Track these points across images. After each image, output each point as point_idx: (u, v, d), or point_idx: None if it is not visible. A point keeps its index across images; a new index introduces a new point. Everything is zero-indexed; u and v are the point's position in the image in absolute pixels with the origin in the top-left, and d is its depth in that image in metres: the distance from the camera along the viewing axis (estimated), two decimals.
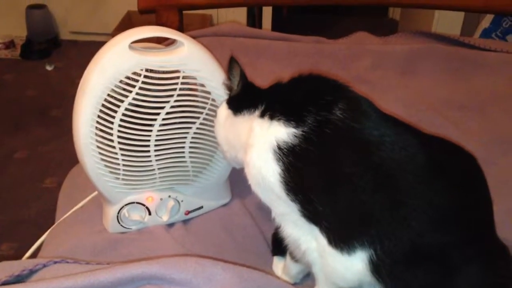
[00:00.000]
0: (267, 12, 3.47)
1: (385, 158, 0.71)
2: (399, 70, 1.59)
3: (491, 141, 1.27)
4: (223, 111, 0.88)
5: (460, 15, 2.61)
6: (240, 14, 3.27)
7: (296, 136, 0.71)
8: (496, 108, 1.42)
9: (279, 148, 0.71)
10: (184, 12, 1.78)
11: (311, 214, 0.72)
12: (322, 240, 0.73)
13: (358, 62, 1.61)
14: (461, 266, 0.73)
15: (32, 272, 0.77)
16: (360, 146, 0.72)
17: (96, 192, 1.11)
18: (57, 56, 3.50)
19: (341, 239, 0.72)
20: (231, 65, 0.89)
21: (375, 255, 0.71)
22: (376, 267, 0.71)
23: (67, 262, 0.78)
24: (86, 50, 0.91)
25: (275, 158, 0.72)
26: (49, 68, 3.33)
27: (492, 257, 0.78)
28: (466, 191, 0.77)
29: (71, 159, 1.26)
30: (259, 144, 0.75)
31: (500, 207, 0.83)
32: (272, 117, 0.74)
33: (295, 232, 0.78)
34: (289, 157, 0.71)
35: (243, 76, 0.87)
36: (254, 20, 3.44)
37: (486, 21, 2.26)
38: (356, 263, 0.72)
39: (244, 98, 0.85)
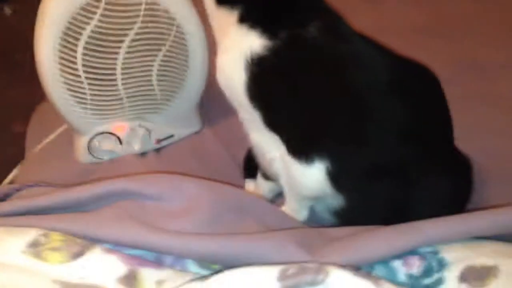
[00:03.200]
0: None
1: (351, 74, 0.74)
2: None
3: (456, 62, 1.29)
4: None
5: None
6: None
7: (268, 49, 0.72)
8: (459, 30, 1.44)
9: (251, 58, 0.72)
10: None
11: (273, 122, 0.75)
12: (282, 149, 0.76)
13: None
14: (420, 179, 0.77)
15: (6, 196, 0.78)
16: (328, 63, 0.73)
17: (64, 126, 1.10)
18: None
19: (299, 149, 0.75)
20: None
21: (332, 167, 0.74)
22: (334, 179, 0.75)
23: (40, 186, 0.79)
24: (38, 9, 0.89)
25: (244, 67, 0.73)
26: (8, 12, 3.19)
27: (451, 168, 0.82)
28: (426, 107, 0.80)
29: (39, 102, 1.25)
30: (233, 51, 0.75)
31: (462, 123, 0.87)
32: (250, 27, 0.74)
33: (260, 139, 0.80)
34: (257, 67, 0.72)
35: None
36: None
37: None
38: (314, 173, 0.75)
39: None
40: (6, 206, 0.66)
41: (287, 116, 0.74)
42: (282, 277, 0.52)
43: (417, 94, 0.79)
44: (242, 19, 0.76)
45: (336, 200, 0.78)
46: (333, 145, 0.74)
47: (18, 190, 0.78)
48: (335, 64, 0.73)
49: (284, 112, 0.74)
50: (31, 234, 0.57)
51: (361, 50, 0.76)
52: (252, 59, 0.72)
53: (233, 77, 0.75)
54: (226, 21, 0.77)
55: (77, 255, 0.56)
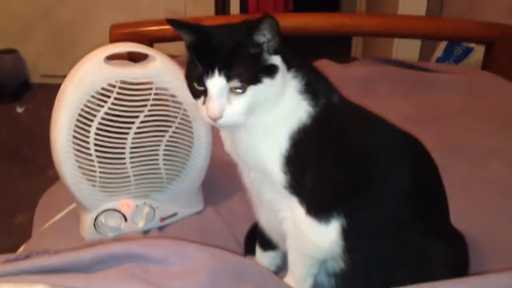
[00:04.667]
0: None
1: (366, 137, 0.82)
2: (359, 92, 1.68)
3: (445, 149, 1.36)
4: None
5: (416, 50, 2.80)
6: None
7: (310, 116, 0.78)
8: (448, 121, 1.53)
9: (297, 128, 0.78)
10: None
11: (297, 185, 0.79)
12: (300, 211, 0.80)
13: None
14: (418, 241, 0.80)
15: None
16: (350, 128, 0.82)
17: (72, 206, 1.14)
18: (28, 98, 3.53)
19: (319, 209, 0.79)
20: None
21: (347, 224, 0.78)
22: (346, 237, 0.79)
23: (49, 254, 0.81)
24: (56, 93, 0.97)
25: (288, 137, 0.78)
26: (19, 110, 3.35)
27: (448, 237, 0.86)
28: (423, 173, 0.87)
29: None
30: (283, 121, 0.79)
31: (454, 206, 0.92)
32: (306, 98, 0.79)
33: (273, 197, 0.83)
34: (300, 134, 0.78)
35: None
36: None
37: (439, 50, 2.42)
38: (330, 232, 0.79)
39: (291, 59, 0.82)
40: (14, 265, 0.68)
41: (314, 178, 0.79)
42: None
43: (416, 159, 0.87)
44: (304, 89, 0.80)
45: (337, 263, 0.81)
46: (349, 204, 0.79)
47: (27, 257, 0.80)
48: (355, 129, 0.82)
49: (312, 175, 0.79)
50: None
51: (370, 116, 0.85)
52: (298, 128, 0.78)
53: (274, 143, 0.79)
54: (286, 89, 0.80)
55: None
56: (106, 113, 0.95)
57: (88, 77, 0.95)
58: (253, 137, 0.80)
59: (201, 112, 0.77)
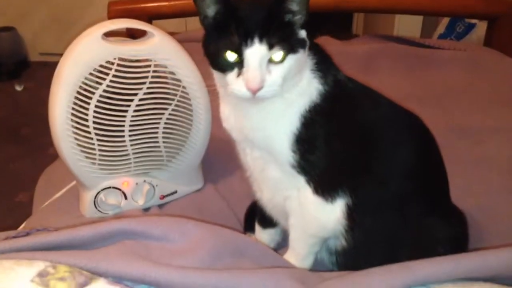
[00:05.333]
0: None
1: (372, 112, 0.82)
2: (360, 69, 1.67)
3: (445, 127, 1.36)
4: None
5: (418, 27, 2.76)
6: None
7: (320, 94, 0.77)
8: (449, 99, 1.52)
9: (308, 107, 0.77)
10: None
11: (305, 164, 0.78)
12: (306, 190, 0.79)
13: None
14: (419, 218, 0.81)
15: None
16: (359, 106, 0.81)
17: (72, 184, 1.14)
18: (26, 77, 3.51)
19: (326, 188, 0.79)
20: None
21: (352, 202, 0.78)
22: (350, 215, 0.79)
23: (49, 231, 0.81)
24: (55, 71, 0.96)
25: (300, 116, 0.77)
26: (18, 88, 3.34)
27: (448, 215, 0.86)
28: (429, 154, 0.87)
29: None
30: (296, 101, 0.77)
31: (454, 184, 0.92)
32: (317, 76, 0.79)
33: (279, 176, 0.82)
34: (311, 113, 0.77)
35: None
36: None
37: (441, 27, 2.39)
38: (335, 210, 0.79)
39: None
40: (14, 242, 0.69)
41: (323, 156, 0.78)
42: None
43: (417, 136, 0.87)
44: (317, 68, 0.80)
45: (338, 241, 0.82)
46: (354, 181, 0.79)
47: (27, 234, 0.80)
48: (361, 106, 0.81)
49: (321, 153, 0.78)
50: (40, 265, 0.60)
51: (373, 93, 0.85)
52: (309, 107, 0.77)
53: (287, 123, 0.78)
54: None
55: (83, 285, 0.58)
56: (105, 91, 0.95)
57: (86, 55, 0.94)
58: (265, 117, 0.78)
59: (234, 85, 0.72)
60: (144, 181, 1.05)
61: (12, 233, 0.80)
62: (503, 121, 1.39)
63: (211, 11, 0.74)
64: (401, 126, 0.85)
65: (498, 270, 0.66)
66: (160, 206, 1.09)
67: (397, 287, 0.64)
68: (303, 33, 0.74)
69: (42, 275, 0.58)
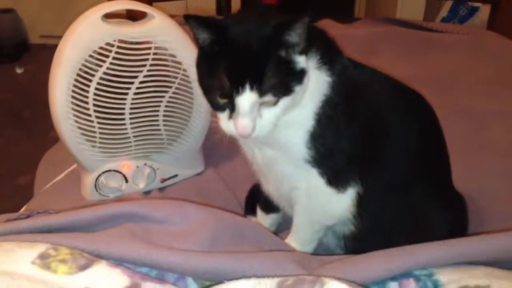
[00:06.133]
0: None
1: (379, 98, 0.81)
2: (363, 52, 1.65)
3: (447, 110, 1.35)
4: None
5: (421, 10, 2.74)
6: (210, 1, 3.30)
7: (330, 86, 0.75)
8: (451, 82, 1.51)
9: (320, 103, 0.74)
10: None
11: (320, 157, 0.76)
12: (318, 181, 0.78)
13: None
14: (422, 201, 0.81)
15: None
16: (368, 88, 0.80)
17: (73, 167, 1.14)
18: (27, 59, 3.50)
19: (339, 179, 0.78)
20: None
21: (362, 190, 0.78)
22: (360, 202, 0.79)
23: (50, 213, 0.81)
24: (55, 53, 0.95)
25: (314, 113, 0.74)
26: (19, 71, 3.32)
27: (449, 198, 0.86)
28: (434, 137, 0.87)
29: None
30: (307, 103, 0.74)
31: (455, 167, 0.91)
32: (324, 69, 0.75)
33: (292, 171, 0.80)
34: (324, 108, 0.74)
35: None
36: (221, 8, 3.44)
37: (444, 10, 2.37)
38: (347, 200, 0.79)
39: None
40: (15, 225, 0.69)
41: (337, 148, 0.76)
42: (281, 287, 0.54)
43: (423, 117, 0.86)
44: (321, 63, 0.76)
45: (346, 226, 0.83)
46: (364, 169, 0.78)
47: (28, 217, 0.81)
48: (371, 88, 0.80)
49: (335, 144, 0.76)
50: (41, 247, 0.60)
51: (380, 74, 0.83)
52: (321, 103, 0.74)
53: (305, 121, 0.75)
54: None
55: (84, 267, 0.58)
56: (105, 73, 0.94)
57: (85, 36, 0.93)
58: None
59: (226, 126, 0.69)
60: (145, 164, 1.05)
61: (13, 215, 0.80)
62: (506, 104, 1.38)
63: (204, 38, 0.69)
64: (408, 108, 0.83)
65: (499, 254, 0.66)
66: (161, 189, 1.09)
67: (397, 271, 0.64)
68: (301, 61, 0.70)
69: (43, 257, 0.58)
